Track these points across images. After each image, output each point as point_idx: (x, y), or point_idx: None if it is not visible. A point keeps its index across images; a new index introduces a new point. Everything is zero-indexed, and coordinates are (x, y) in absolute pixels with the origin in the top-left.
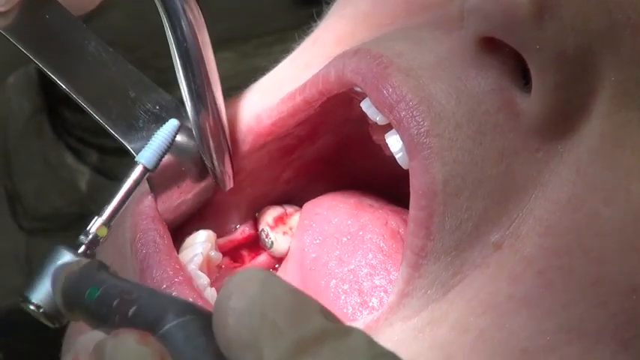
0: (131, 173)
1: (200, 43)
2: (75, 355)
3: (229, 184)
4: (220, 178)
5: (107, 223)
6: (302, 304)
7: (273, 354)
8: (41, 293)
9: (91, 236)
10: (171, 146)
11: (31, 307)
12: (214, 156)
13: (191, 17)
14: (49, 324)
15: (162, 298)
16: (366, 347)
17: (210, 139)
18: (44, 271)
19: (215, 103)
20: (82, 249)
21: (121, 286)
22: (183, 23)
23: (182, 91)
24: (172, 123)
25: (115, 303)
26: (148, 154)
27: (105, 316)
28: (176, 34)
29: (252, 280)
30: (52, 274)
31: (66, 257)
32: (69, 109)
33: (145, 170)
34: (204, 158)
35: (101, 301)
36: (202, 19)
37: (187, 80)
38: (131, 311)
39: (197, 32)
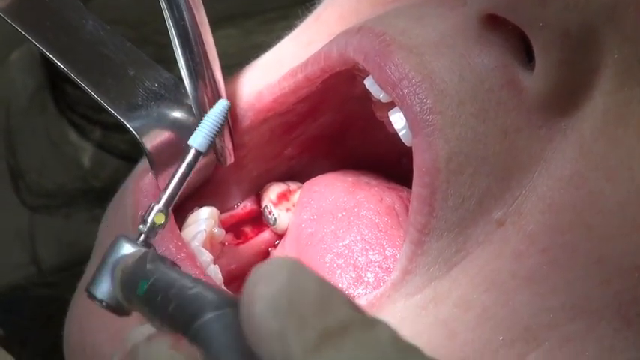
0: (185, 158)
1: (197, 21)
2: (124, 351)
3: (230, 159)
4: (220, 153)
5: (164, 211)
6: (329, 294)
7: (299, 344)
8: (103, 287)
9: (149, 224)
10: (222, 127)
11: (97, 302)
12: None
13: None
14: (118, 315)
15: (202, 291)
16: (391, 340)
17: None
18: (105, 263)
19: (214, 80)
20: (141, 238)
21: (166, 279)
22: (180, 1)
23: (180, 68)
24: (222, 104)
25: (159, 298)
26: (199, 138)
27: (154, 311)
28: (173, 13)
29: (280, 268)
30: (111, 267)
31: (124, 248)
32: (72, 85)
33: (198, 154)
34: None
35: (148, 295)
36: None
37: (185, 58)
38: (171, 307)
39: (194, 10)
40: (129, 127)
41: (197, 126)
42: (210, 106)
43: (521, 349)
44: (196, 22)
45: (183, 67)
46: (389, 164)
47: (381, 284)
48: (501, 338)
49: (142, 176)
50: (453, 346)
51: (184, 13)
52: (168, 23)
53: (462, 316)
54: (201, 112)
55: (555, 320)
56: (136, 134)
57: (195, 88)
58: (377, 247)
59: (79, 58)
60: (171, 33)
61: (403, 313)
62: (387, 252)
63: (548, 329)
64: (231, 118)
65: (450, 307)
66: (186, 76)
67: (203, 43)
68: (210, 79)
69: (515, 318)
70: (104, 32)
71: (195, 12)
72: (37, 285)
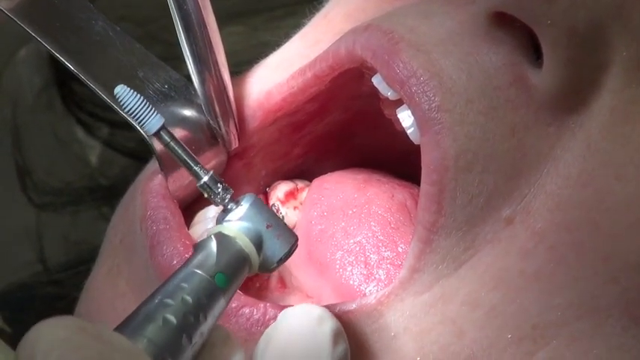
0: (165, 141)
1: (201, 6)
2: None
3: (234, 142)
4: (225, 138)
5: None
6: None
7: None
8: None
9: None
10: (143, 103)
11: None
12: (219, 114)
13: None
14: None
15: None
16: None
17: (215, 99)
18: None
19: (217, 64)
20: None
21: None
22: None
23: (184, 52)
24: (118, 89)
25: None
26: (148, 123)
27: None
28: (180, 9)
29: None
30: None
31: None
32: (79, 83)
33: (160, 130)
34: (209, 118)
35: None
36: None
37: (189, 42)
38: None
39: (201, 8)
40: (139, 128)
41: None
42: (214, 89)
43: (528, 348)
44: (199, 7)
45: (187, 51)
46: (397, 162)
47: (393, 281)
48: (509, 336)
49: (152, 177)
50: (461, 344)
51: (191, 10)
52: (176, 21)
53: (470, 314)
54: (207, 94)
55: (563, 318)
56: (145, 135)
57: (198, 71)
58: (389, 244)
59: (88, 59)
60: (179, 31)
61: (411, 311)
62: (399, 249)
63: (555, 327)
64: (241, 118)
65: (458, 306)
66: (190, 59)
67: (207, 28)
68: (214, 64)
69: (523, 316)
70: (113, 33)
71: (202, 10)
72: (44, 283)
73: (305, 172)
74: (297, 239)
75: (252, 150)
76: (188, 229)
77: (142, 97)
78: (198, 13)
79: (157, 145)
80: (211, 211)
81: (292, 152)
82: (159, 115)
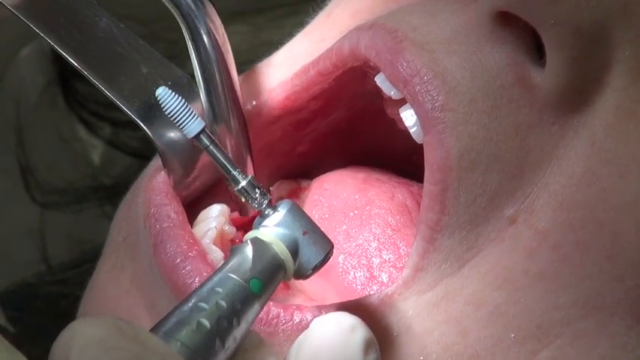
0: (205, 145)
1: (212, 23)
2: None
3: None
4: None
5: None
6: None
7: None
8: None
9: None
10: (182, 103)
11: None
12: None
13: None
14: None
15: None
16: None
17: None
18: None
19: (230, 83)
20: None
21: None
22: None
23: (195, 75)
24: (160, 91)
25: None
26: (189, 125)
27: None
28: (187, 21)
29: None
30: None
31: None
32: (82, 82)
33: (201, 132)
34: (213, 123)
35: None
36: None
37: (200, 62)
38: None
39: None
40: (142, 125)
41: (177, 121)
42: (220, 109)
43: (532, 347)
44: (211, 25)
45: (198, 74)
46: (399, 161)
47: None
48: (513, 336)
49: (155, 175)
50: (465, 343)
51: (201, 27)
52: (183, 26)
53: (473, 313)
54: (215, 115)
55: (567, 317)
56: (149, 133)
57: (201, 64)
58: (390, 247)
59: (92, 56)
60: (187, 35)
61: (415, 311)
62: (400, 251)
63: (559, 326)
64: (245, 116)
65: (462, 305)
66: (200, 82)
67: (220, 47)
68: (225, 83)
69: (527, 315)
70: (117, 30)
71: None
72: (47, 282)
73: (308, 170)
74: (332, 246)
75: (254, 148)
76: (191, 227)
77: (183, 100)
78: (211, 32)
79: (160, 143)
80: (214, 210)
81: (295, 150)
82: (199, 118)
